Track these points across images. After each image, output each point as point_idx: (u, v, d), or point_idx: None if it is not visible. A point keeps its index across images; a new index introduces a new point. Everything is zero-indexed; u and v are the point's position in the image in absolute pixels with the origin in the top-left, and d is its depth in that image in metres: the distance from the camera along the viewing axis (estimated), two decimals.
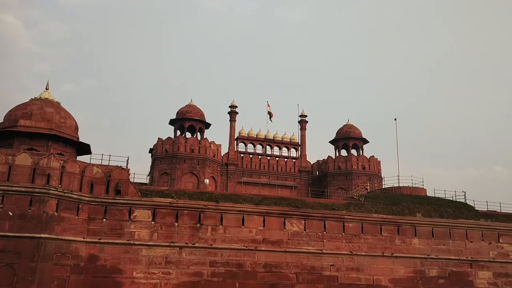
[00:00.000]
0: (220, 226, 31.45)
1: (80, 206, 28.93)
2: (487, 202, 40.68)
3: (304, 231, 32.91)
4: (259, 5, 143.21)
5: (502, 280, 35.75)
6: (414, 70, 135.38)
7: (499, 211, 40.61)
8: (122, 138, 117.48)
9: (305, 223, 33.12)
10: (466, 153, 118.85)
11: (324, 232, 33.26)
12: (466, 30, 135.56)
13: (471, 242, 36.11)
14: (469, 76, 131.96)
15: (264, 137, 62.83)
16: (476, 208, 39.52)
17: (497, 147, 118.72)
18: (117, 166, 31.44)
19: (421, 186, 43.10)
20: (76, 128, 34.90)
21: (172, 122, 57.20)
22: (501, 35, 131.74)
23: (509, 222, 38.15)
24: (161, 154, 53.67)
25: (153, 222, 30.30)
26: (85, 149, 34.84)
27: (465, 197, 40.97)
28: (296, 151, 63.33)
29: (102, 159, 32.08)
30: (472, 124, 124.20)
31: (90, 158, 32.74)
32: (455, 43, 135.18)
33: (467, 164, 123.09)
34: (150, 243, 29.77)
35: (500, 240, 36.90)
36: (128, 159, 32.70)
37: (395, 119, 53.01)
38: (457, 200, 40.62)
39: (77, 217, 28.67)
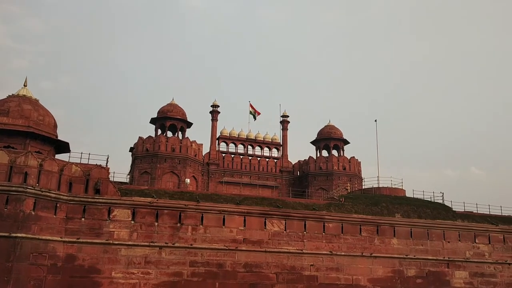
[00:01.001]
0: (201, 226, 31.33)
1: (58, 205, 28.48)
2: (464, 203, 41.44)
3: (284, 231, 33.01)
4: (241, 4, 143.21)
5: (477, 279, 36.44)
6: (395, 73, 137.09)
7: (476, 212, 41.38)
8: (102, 136, 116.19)
9: (285, 223, 33.22)
10: (444, 155, 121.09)
11: (305, 232, 33.42)
12: (445, 33, 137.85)
13: (448, 242, 36.70)
14: (447, 79, 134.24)
15: (245, 137, 62.81)
16: (453, 209, 40.19)
17: (474, 150, 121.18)
18: (96, 165, 31.07)
19: (400, 187, 43.66)
20: (55, 125, 34.36)
21: (153, 121, 56.71)
22: (478, 37, 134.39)
23: (485, 223, 38.89)
24: (142, 153, 53.18)
25: (132, 222, 30.02)
26: (64, 147, 34.33)
27: (443, 198, 41.69)
28: (278, 151, 63.48)
29: (81, 158, 31.71)
30: (450, 127, 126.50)
31: (69, 157, 32.37)
32: (434, 46, 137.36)
33: (445, 165, 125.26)
34: (130, 242, 29.49)
35: (476, 241, 37.59)
36: (107, 158, 32.35)
37: (376, 121, 53.63)
38: (435, 201, 41.25)
39: (54, 216, 28.22)
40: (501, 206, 42.23)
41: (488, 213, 41.41)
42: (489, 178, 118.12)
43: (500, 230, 38.47)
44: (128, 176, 54.33)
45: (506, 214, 41.88)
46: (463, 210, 40.94)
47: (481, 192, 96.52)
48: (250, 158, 61.02)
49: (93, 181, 30.14)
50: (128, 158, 59.36)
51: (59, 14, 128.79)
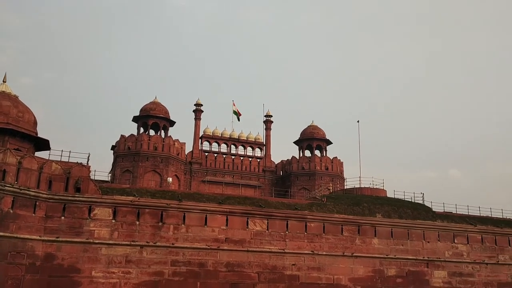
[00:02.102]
0: (183, 225, 31.17)
1: (37, 203, 28.03)
2: (443, 203, 42.07)
3: (266, 231, 33.04)
4: (226, 3, 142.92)
5: (456, 279, 37.00)
6: (378, 74, 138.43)
7: (455, 212, 42.04)
8: (83, 134, 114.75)
9: (268, 222, 33.25)
10: (424, 156, 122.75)
11: (287, 232, 33.50)
12: (427, 34, 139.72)
13: (428, 242, 37.18)
14: (428, 81, 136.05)
15: (229, 136, 62.68)
16: (433, 210, 40.76)
17: (453, 151, 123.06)
18: (77, 163, 30.70)
19: (382, 187, 44.09)
20: (35, 123, 33.81)
21: (135, 119, 56.22)
22: (460, 38, 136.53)
23: (464, 223, 39.53)
24: (124, 151, 52.70)
25: (113, 221, 29.71)
26: (44, 145, 33.80)
27: (423, 198, 42.24)
28: (261, 151, 63.51)
29: (61, 156, 31.26)
30: (430, 129, 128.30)
31: (49, 154, 31.85)
32: (417, 47, 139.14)
33: (425, 167, 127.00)
34: (110, 241, 29.19)
35: (455, 241, 38.16)
36: (89, 156, 31.98)
37: (358, 122, 53.95)
38: (415, 201, 41.77)
39: (33, 214, 27.77)
40: (479, 207, 43.06)
41: (467, 213, 42.12)
42: (468, 179, 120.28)
43: (478, 230, 39.13)
44: (110, 174, 53.76)
45: (484, 215, 42.65)
46: (443, 211, 41.55)
47: (460, 193, 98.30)
48: (233, 157, 60.96)
49: (73, 179, 29.74)
50: (109, 157, 58.75)
51: (40, 10, 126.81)
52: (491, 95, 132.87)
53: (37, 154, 32.79)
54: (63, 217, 28.68)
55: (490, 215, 42.99)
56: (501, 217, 43.52)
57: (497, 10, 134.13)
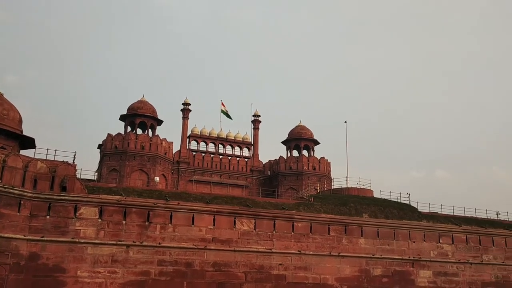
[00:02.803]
0: (170, 225, 31.03)
1: (22, 202, 27.66)
2: (429, 204, 42.49)
3: (254, 230, 33.04)
4: (213, 3, 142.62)
5: (441, 279, 37.36)
6: (365, 74, 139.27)
7: (440, 212, 42.46)
8: (69, 133, 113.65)
9: (255, 222, 33.25)
10: (411, 157, 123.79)
11: (274, 232, 33.53)
12: (412, 35, 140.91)
13: (414, 242, 37.49)
14: (415, 82, 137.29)
15: (216, 135, 62.61)
16: (419, 210, 41.12)
17: (439, 152, 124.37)
18: (63, 161, 30.39)
19: (368, 188, 44.36)
20: (20, 120, 33.39)
21: (122, 118, 55.87)
22: (446, 39, 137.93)
23: (449, 223, 39.94)
24: (110, 150, 52.34)
25: (99, 220, 29.47)
26: (29, 143, 33.41)
27: (409, 199, 42.59)
28: (249, 151, 63.54)
29: (47, 154, 30.91)
30: (417, 129, 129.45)
31: (35, 153, 31.48)
32: (404, 48, 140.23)
33: (411, 167, 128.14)
34: (96, 241, 28.94)
35: (440, 241, 38.53)
36: (75, 155, 31.74)
37: (345, 122, 54.21)
38: (401, 201, 42.11)
39: (18, 213, 27.40)
40: (464, 208, 43.56)
41: (452, 214, 42.58)
42: (453, 180, 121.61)
43: (463, 230, 39.56)
44: (96, 173, 53.33)
45: (469, 215, 43.17)
46: (428, 211, 41.94)
47: (446, 194, 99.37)
48: (220, 157, 60.90)
49: (59, 178, 29.43)
50: (96, 155, 58.32)
51: (26, 7, 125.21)
52: (478, 98, 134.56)
53: (22, 152, 32.38)
54: (48, 216, 28.36)
55: (474, 216, 43.54)
56: (485, 217, 44.11)
57: (482, 13, 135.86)
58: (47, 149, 31.10)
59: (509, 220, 45.04)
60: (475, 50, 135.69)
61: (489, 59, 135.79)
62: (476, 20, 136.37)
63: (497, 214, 45.56)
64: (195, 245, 31.08)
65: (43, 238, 27.76)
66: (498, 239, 40.47)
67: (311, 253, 33.91)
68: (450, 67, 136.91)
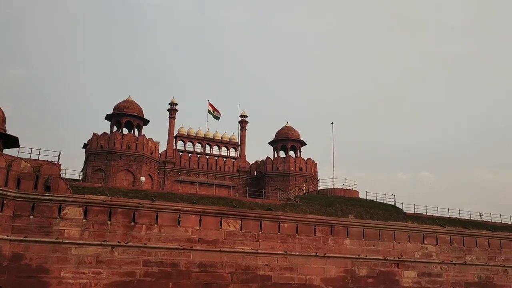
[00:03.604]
0: (155, 225, 30.86)
1: (4, 202, 27.29)
2: (414, 205, 42.86)
3: (240, 231, 33.01)
4: (201, 2, 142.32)
5: (425, 279, 37.73)
6: (352, 75, 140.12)
7: (425, 213, 42.86)
8: (54, 132, 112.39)
9: (241, 223, 33.23)
10: (396, 158, 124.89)
11: (260, 232, 33.53)
12: (403, 34, 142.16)
13: (399, 243, 37.80)
14: (401, 85, 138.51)
15: (203, 136, 62.42)
16: (404, 211, 41.46)
17: (424, 154, 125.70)
18: (47, 161, 30.04)
19: (354, 189, 44.57)
20: (3, 119, 32.90)
21: (108, 117, 55.40)
22: (433, 41, 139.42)
23: (433, 224, 40.34)
24: (96, 149, 51.86)
25: (84, 220, 29.18)
26: (12, 142, 32.89)
27: (394, 200, 42.91)
28: (236, 151, 63.46)
29: (31, 153, 30.55)
30: (402, 131, 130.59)
31: (18, 152, 31.03)
32: (391, 50, 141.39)
33: (397, 168, 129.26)
34: (81, 241, 28.66)
35: (425, 242, 38.90)
36: (59, 154, 31.37)
37: (332, 123, 54.38)
38: (387, 202, 42.41)
39: (1, 213, 27.05)
40: (448, 209, 44.06)
41: (437, 215, 42.99)
42: (438, 181, 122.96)
43: (447, 231, 39.98)
44: (81, 173, 52.79)
45: (453, 216, 43.66)
46: (413, 212, 42.31)
47: (431, 195, 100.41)
48: (207, 157, 60.72)
49: (43, 177, 29.08)
50: (81, 155, 57.75)
51: (8, 4, 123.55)
52: (463, 100, 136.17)
53: (6, 151, 31.88)
54: (31, 216, 28.01)
55: (458, 217, 44.06)
56: (469, 218, 44.66)
57: (466, 17, 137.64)
58: (31, 148, 30.78)
59: (492, 221, 45.66)
60: (458, 51, 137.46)
61: (473, 61, 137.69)
62: (460, 20, 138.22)
63: (480, 215, 46.19)
64: (181, 246, 30.96)
65: (26, 239, 27.40)
66: (481, 240, 40.99)
67: (297, 253, 33.99)
68: (434, 68, 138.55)
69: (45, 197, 28.59)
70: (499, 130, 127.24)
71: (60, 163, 30.56)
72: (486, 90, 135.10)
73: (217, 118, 62.79)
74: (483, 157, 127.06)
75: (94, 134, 52.85)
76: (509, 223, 46.38)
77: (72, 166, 75.06)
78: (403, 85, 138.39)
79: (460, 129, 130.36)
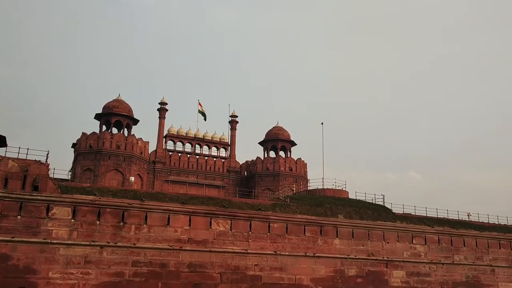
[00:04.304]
0: (145, 225, 30.71)
1: None
2: (403, 205, 43.14)
3: (230, 231, 32.97)
4: (191, 3, 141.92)
5: (414, 279, 37.98)
6: (340, 76, 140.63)
7: (414, 214, 43.16)
8: (42, 131, 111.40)
9: (231, 223, 33.18)
10: (385, 159, 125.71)
11: (250, 232, 33.52)
12: (391, 36, 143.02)
13: (388, 243, 38.01)
14: (390, 86, 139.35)
15: (193, 135, 62.27)
16: (393, 211, 41.71)
17: (412, 154, 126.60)
18: (35, 160, 29.75)
19: (344, 189, 44.75)
20: None
21: (98, 117, 55.05)
22: (421, 42, 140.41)
23: (422, 224, 40.63)
24: (85, 149, 51.50)
25: (73, 220, 28.95)
26: (0, 141, 32.54)
27: (383, 200, 43.14)
28: (226, 151, 63.39)
29: (19, 153, 30.25)
30: (391, 132, 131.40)
31: (6, 151, 30.81)
32: (380, 50, 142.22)
33: (385, 169, 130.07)
34: (69, 241, 28.42)
35: (414, 241, 39.16)
36: (48, 154, 31.11)
37: (322, 123, 54.53)
38: (376, 202, 42.61)
39: None
40: (437, 209, 44.43)
41: (425, 215, 43.32)
42: (426, 181, 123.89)
43: (435, 231, 40.30)
44: (70, 173, 52.39)
45: (441, 216, 44.03)
46: (402, 212, 42.58)
47: (419, 195, 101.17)
48: (197, 157, 60.57)
49: (31, 177, 28.79)
50: (70, 155, 57.35)
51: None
52: (449, 101, 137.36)
53: None
54: (19, 217, 27.72)
55: (447, 217, 44.44)
56: (457, 218, 45.08)
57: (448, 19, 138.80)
58: (19, 147, 30.49)
59: (480, 221, 46.15)
60: (443, 53, 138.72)
61: (459, 63, 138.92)
62: (441, 26, 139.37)
63: (468, 215, 46.65)
64: (171, 246, 30.84)
65: (13, 239, 27.11)
66: (469, 240, 41.37)
67: (287, 253, 34.03)
68: (420, 70, 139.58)
69: (33, 197, 28.31)
70: (486, 130, 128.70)
71: (48, 162, 30.32)
72: (472, 90, 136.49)
73: (205, 118, 62.68)
74: (470, 157, 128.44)
75: (83, 134, 52.48)
76: (496, 223, 46.96)
77: (61, 166, 74.69)
78: (391, 87, 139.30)
79: (449, 131, 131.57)
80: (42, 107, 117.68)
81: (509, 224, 48.47)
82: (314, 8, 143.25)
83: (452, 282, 39.27)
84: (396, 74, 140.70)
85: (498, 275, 41.44)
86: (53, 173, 34.33)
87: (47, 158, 30.69)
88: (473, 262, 40.75)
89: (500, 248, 42.39)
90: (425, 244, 39.49)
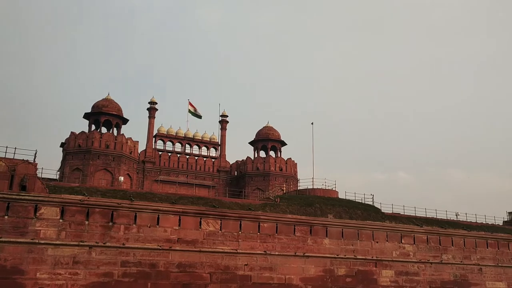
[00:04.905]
0: (134, 225, 30.54)
1: None
2: (392, 205, 43.44)
3: (220, 231, 32.91)
4: (182, 3, 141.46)
5: (402, 278, 38.21)
6: (331, 76, 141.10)
7: (403, 213, 43.47)
8: (30, 130, 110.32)
9: (221, 223, 33.13)
10: (374, 159, 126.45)
11: (240, 232, 33.49)
12: (382, 37, 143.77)
13: (377, 242, 38.19)
14: (378, 86, 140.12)
15: (183, 135, 62.10)
16: (382, 211, 41.97)
17: (401, 155, 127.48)
18: (23, 160, 29.42)
19: (334, 189, 44.94)
20: None
21: (87, 116, 54.70)
22: (409, 42, 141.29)
23: (411, 224, 40.92)
24: (74, 149, 51.12)
25: (61, 220, 28.69)
26: None
27: (373, 200, 43.42)
28: (216, 151, 63.30)
29: (6, 152, 29.85)
30: (380, 132, 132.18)
31: None
32: (371, 49, 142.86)
33: (375, 169, 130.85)
34: (57, 242, 28.15)
35: (402, 241, 39.41)
36: (36, 153, 30.77)
37: (312, 124, 54.73)
38: (366, 202, 42.86)
39: None
40: (425, 208, 44.80)
41: (414, 214, 43.67)
42: (415, 181, 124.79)
43: (424, 231, 40.58)
44: (58, 172, 52.00)
45: (430, 216, 44.40)
46: (391, 212, 42.84)
47: (408, 195, 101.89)
48: (187, 157, 60.44)
49: (18, 177, 28.49)
50: (58, 154, 56.88)
51: None
52: (439, 103, 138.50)
53: None
54: (6, 217, 27.38)
55: (435, 216, 44.82)
56: (445, 218, 45.49)
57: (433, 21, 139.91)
58: (6, 147, 30.09)
59: (468, 221, 46.61)
60: (431, 54, 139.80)
61: (446, 64, 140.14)
62: (426, 27, 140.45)
63: (456, 215, 47.11)
64: (160, 246, 30.71)
65: (0, 239, 26.78)
66: (457, 239, 41.72)
67: (277, 253, 34.05)
68: (409, 71, 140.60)
69: (20, 196, 28.01)
70: (474, 131, 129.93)
71: (36, 162, 30.01)
72: (460, 91, 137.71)
73: (199, 117, 62.56)
74: (459, 158, 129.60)
75: (72, 133, 52.10)
76: (484, 222, 47.46)
77: (49, 166, 74.18)
78: (380, 88, 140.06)
79: (436, 131, 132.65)
80: (30, 105, 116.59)
81: (496, 223, 49.06)
82: (304, 7, 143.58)
83: (440, 281, 39.58)
84: (386, 74, 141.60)
85: (485, 274, 41.83)
86: (41, 173, 34.04)
87: (35, 158, 30.41)
88: (461, 261, 41.11)
89: (487, 248, 42.81)
90: (414, 243, 39.75)
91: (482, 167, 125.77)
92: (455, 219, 46.44)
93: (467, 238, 42.21)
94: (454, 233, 41.81)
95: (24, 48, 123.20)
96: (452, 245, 41.40)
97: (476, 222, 46.82)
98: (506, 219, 51.20)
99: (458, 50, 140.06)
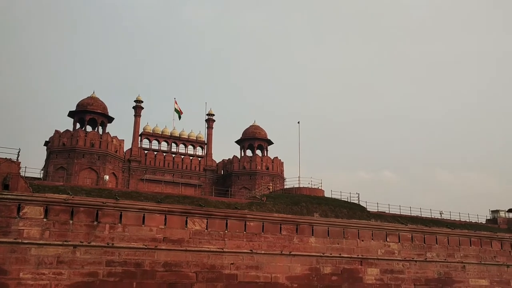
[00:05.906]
0: (119, 224, 30.29)
1: None
2: (377, 203, 43.79)
3: (206, 230, 32.83)
4: (166, 1, 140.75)
5: (387, 276, 38.55)
6: (318, 77, 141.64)
7: (388, 212, 43.83)
8: (13, 128, 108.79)
9: (207, 222, 33.04)
10: (359, 158, 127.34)
11: (226, 231, 33.44)
12: (369, 35, 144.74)
13: (362, 241, 38.44)
14: (365, 85, 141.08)
15: (169, 134, 61.79)
16: (368, 209, 42.26)
17: (386, 154, 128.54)
18: (6, 158, 29.03)
19: (320, 187, 45.14)
20: None
21: (71, 114, 54.09)
22: (396, 42, 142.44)
23: (396, 222, 41.28)
24: (58, 147, 50.53)
25: (45, 220, 28.34)
26: None
27: (358, 198, 43.71)
28: (202, 150, 63.12)
29: None
30: (365, 132, 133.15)
31: None
32: (358, 48, 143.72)
33: (360, 168, 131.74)
34: (41, 241, 27.82)
35: (387, 239, 39.73)
36: (19, 152, 30.42)
37: (298, 123, 54.86)
38: (351, 201, 43.11)
39: None
40: (410, 207, 45.29)
41: (399, 213, 44.08)
42: (400, 181, 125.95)
43: (409, 229, 40.96)
44: (42, 171, 51.35)
45: (415, 215, 44.85)
46: (377, 210, 43.18)
47: (393, 194, 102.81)
48: (173, 155, 60.16)
49: (1, 175, 28.09)
50: (42, 153, 56.15)
51: None
52: (425, 102, 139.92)
53: None
54: None
55: (420, 215, 45.28)
56: (430, 216, 45.98)
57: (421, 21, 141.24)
58: None
59: (452, 219, 47.20)
60: (417, 52, 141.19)
61: (433, 62, 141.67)
62: (415, 26, 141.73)
63: (440, 213, 47.65)
64: (146, 245, 30.52)
65: None
66: (441, 237, 42.21)
67: (263, 252, 34.07)
68: (394, 69, 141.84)
69: (3, 195, 27.59)
70: (458, 131, 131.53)
71: (19, 161, 29.67)
72: (446, 91, 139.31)
73: (179, 116, 62.32)
74: (443, 157, 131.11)
75: (56, 131, 51.49)
76: (467, 221, 48.11)
77: (33, 164, 73.29)
78: (367, 86, 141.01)
79: (419, 130, 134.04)
80: (14, 103, 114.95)
81: (479, 222, 49.75)
82: (292, 7, 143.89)
83: (425, 278, 40.01)
84: (371, 73, 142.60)
85: (468, 271, 42.39)
86: (25, 172, 33.70)
87: (18, 156, 30.03)
88: (445, 259, 41.59)
89: (470, 246, 43.37)
90: (399, 241, 40.10)
91: (467, 167, 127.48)
92: (439, 217, 46.99)
93: (451, 236, 42.74)
94: (438, 232, 42.28)
95: (6, 46, 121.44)
96: (436, 243, 41.87)
97: (459, 220, 47.45)
98: (489, 218, 51.97)
99: (446, 48, 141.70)
